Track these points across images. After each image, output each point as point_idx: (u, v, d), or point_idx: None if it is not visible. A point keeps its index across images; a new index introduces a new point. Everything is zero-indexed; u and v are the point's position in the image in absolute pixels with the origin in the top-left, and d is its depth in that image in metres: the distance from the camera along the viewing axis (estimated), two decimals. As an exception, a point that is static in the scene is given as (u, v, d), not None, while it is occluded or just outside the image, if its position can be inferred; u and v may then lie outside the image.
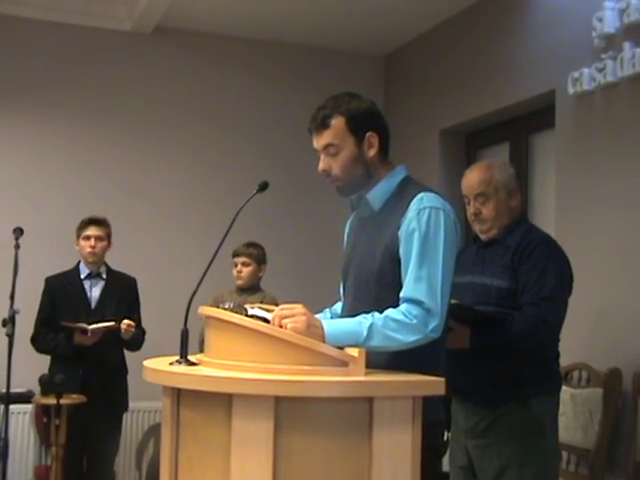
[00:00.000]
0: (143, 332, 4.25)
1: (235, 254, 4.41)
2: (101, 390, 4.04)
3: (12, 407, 4.03)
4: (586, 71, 3.90)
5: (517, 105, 4.54)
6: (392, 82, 5.85)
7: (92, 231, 4.15)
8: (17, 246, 3.90)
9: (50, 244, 4.85)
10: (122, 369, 4.23)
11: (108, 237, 4.23)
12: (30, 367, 4.13)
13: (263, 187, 2.38)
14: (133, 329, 4.03)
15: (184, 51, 5.49)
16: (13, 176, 5.09)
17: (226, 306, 2.13)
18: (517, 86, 4.48)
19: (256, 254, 4.45)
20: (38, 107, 5.16)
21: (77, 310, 4.05)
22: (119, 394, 4.22)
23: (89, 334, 3.90)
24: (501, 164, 3.02)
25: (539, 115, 4.51)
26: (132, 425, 5.03)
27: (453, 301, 2.45)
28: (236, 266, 4.42)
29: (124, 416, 4.35)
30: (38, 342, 4.15)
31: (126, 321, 4.00)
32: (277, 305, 4.02)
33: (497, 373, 2.75)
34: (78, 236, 4.19)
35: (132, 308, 4.25)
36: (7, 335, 3.73)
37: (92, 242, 4.14)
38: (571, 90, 3.99)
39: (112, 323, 3.97)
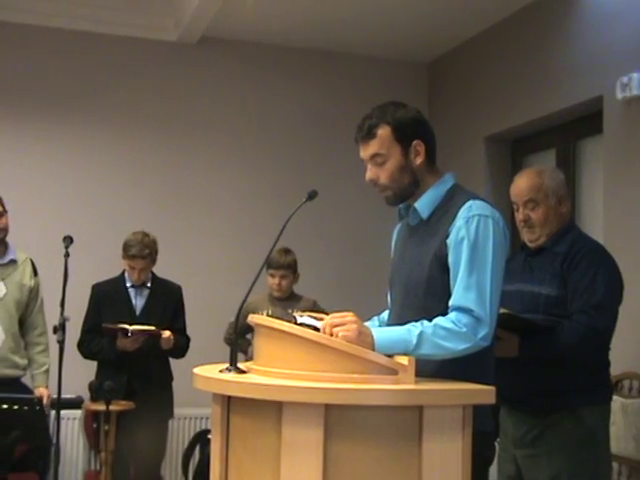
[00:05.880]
0: (188, 339, 4.28)
1: (271, 266, 4.22)
2: (147, 397, 4.07)
3: (63, 412, 4.08)
4: (635, 76, 3.84)
5: (564, 111, 4.49)
6: (436, 89, 5.83)
7: (137, 264, 4.13)
8: (67, 254, 3.93)
9: (99, 252, 4.91)
10: (167, 376, 4.27)
11: (153, 262, 4.21)
12: (80, 373, 4.20)
13: (312, 196, 2.39)
14: (172, 341, 4.05)
15: (230, 60, 5.53)
16: (63, 184, 5.17)
17: (264, 314, 2.14)
18: (564, 92, 4.43)
19: (292, 263, 4.29)
20: (88, 116, 5.24)
21: (122, 317, 4.07)
22: (165, 401, 4.25)
23: (129, 334, 3.94)
24: (551, 170, 2.99)
25: (587, 121, 4.44)
26: (178, 431, 5.09)
27: (503, 310, 2.43)
28: (273, 277, 4.25)
29: (170, 423, 4.38)
30: (83, 348, 4.20)
31: (167, 333, 4.02)
32: (317, 306, 4.04)
33: (546, 382, 2.72)
34: (123, 256, 4.16)
35: (176, 316, 4.27)
36: (58, 342, 3.78)
37: (136, 274, 4.16)
38: (619, 95, 3.93)
39: (153, 328, 4.00)
